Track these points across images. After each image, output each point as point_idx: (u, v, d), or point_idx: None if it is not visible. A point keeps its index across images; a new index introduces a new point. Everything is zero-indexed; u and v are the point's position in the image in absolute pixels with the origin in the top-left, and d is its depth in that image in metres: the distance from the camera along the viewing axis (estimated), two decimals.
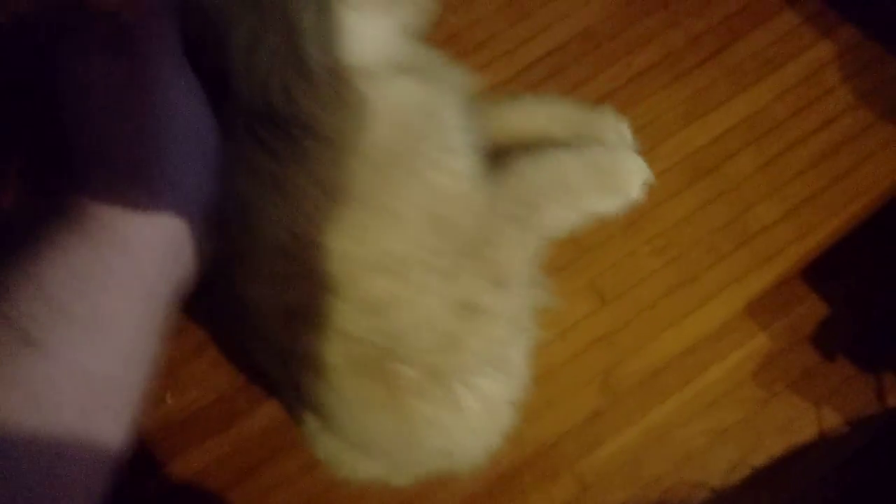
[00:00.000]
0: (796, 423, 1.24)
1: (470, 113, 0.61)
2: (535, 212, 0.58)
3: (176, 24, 0.44)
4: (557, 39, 1.52)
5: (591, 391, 1.27)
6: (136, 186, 0.40)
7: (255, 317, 0.56)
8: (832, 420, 1.23)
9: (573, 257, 1.35)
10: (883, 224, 1.33)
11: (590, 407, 1.27)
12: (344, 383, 0.57)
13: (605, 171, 0.62)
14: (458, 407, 0.60)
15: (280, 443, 1.28)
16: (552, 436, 1.26)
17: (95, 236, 0.38)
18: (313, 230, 0.51)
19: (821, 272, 1.31)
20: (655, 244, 1.35)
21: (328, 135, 0.51)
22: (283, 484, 1.26)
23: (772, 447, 1.23)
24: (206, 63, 0.48)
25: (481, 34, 1.54)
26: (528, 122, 0.69)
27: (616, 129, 0.71)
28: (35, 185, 0.43)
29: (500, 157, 0.60)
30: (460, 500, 1.23)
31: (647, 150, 1.36)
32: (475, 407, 0.61)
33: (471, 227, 0.55)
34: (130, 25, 0.40)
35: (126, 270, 0.39)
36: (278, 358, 0.59)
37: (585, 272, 1.34)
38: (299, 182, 0.51)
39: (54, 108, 0.41)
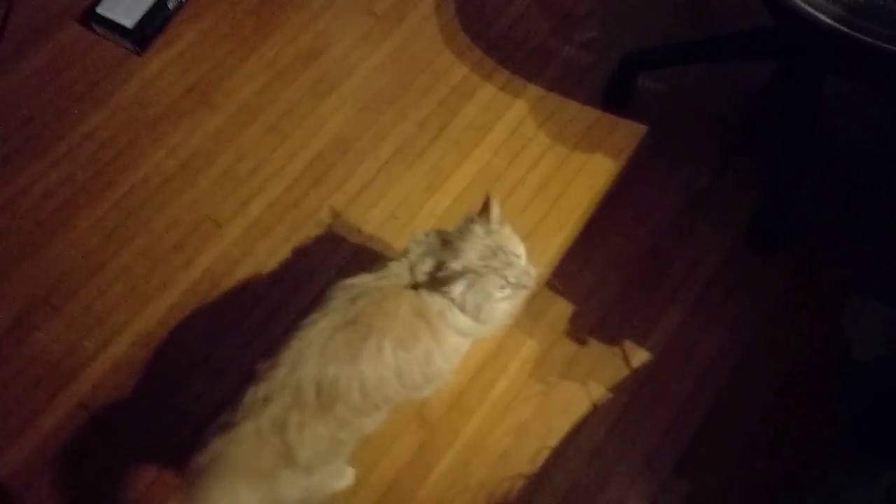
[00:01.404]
0: (573, 402, 1.51)
1: None
2: None
3: None
4: (314, 151, 1.78)
5: (412, 428, 1.48)
6: None
7: None
8: (598, 391, 1.52)
9: None
10: (595, 231, 1.66)
11: (414, 442, 1.47)
12: None
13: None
14: None
15: None
16: (392, 475, 1.45)
17: None
18: None
19: (560, 277, 1.61)
20: None
21: None
22: None
23: (561, 428, 1.49)
24: None
25: (251, 163, 1.77)
26: None
27: None
28: None
29: None
30: None
31: (406, 223, 1.64)
32: None
33: None
34: None
35: None
36: None
37: None
38: None
39: None
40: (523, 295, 1.19)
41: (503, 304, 1.16)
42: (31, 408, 1.53)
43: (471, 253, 1.10)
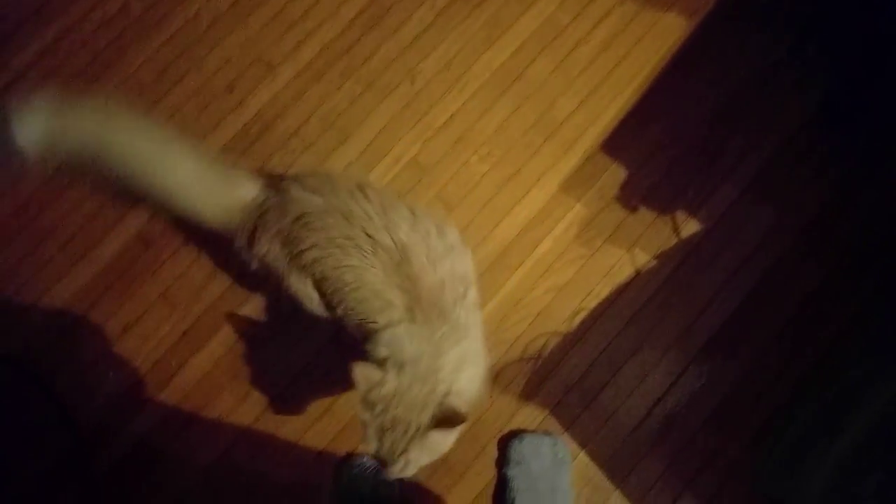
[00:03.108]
0: (616, 267, 1.48)
1: None
2: None
3: None
4: None
5: None
6: None
7: None
8: (643, 258, 1.48)
9: (417, 178, 1.53)
10: (658, 96, 1.55)
11: None
12: None
13: None
14: None
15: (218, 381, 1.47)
16: None
17: None
18: None
19: (616, 142, 1.53)
20: (481, 152, 1.54)
21: None
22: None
23: (601, 291, 1.47)
24: None
25: (304, 4, 1.67)
26: None
27: None
28: None
29: None
30: None
31: (460, 76, 1.55)
32: None
33: None
34: None
35: None
36: None
37: (431, 188, 1.54)
38: None
39: None
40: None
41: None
42: (92, 236, 1.57)
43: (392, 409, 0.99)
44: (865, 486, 1.12)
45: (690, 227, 1.48)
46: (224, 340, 1.48)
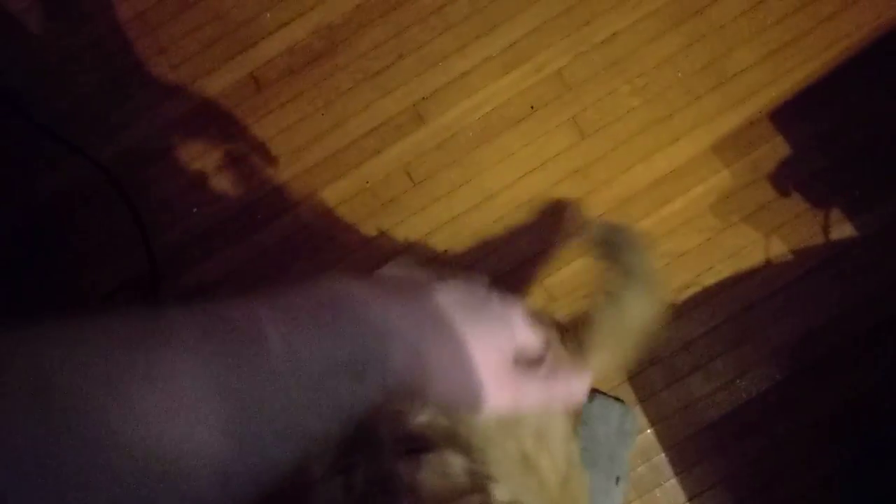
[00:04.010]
0: (746, 250, 1.32)
1: None
2: None
3: None
4: None
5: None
6: None
7: None
8: (779, 249, 1.31)
9: (558, 93, 1.38)
10: (853, 73, 1.33)
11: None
12: None
13: None
14: None
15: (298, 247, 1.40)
16: (525, 256, 1.35)
17: None
18: None
19: (789, 114, 1.33)
20: (636, 84, 1.37)
21: None
22: None
23: (722, 271, 1.32)
24: None
25: None
26: None
27: None
28: None
29: None
30: None
31: None
32: None
33: None
34: None
35: None
36: None
37: (568, 108, 1.38)
38: None
39: None
40: None
41: None
42: (205, 65, 1.48)
43: None
44: None
45: (843, 230, 1.30)
46: (321, 210, 1.40)
